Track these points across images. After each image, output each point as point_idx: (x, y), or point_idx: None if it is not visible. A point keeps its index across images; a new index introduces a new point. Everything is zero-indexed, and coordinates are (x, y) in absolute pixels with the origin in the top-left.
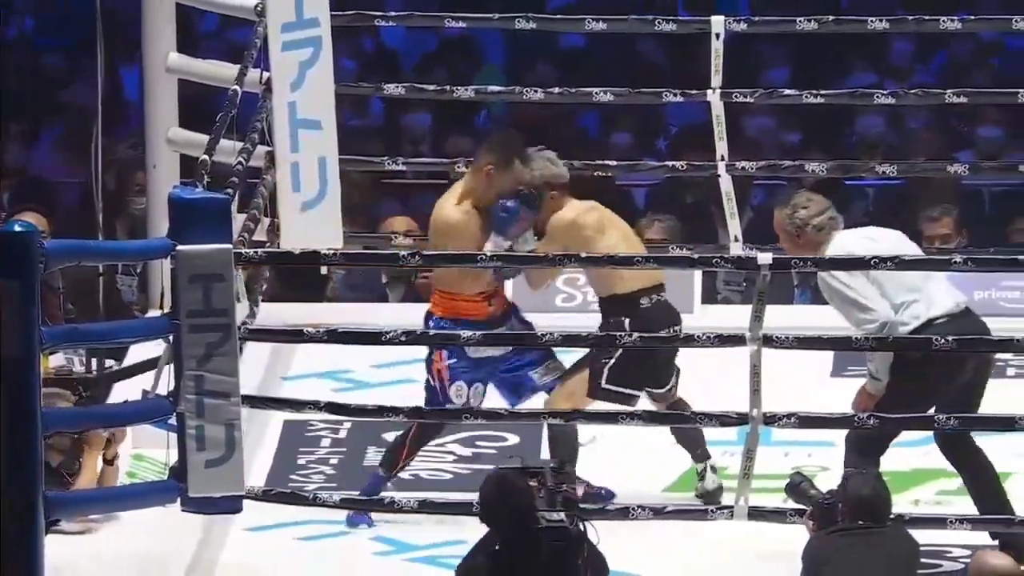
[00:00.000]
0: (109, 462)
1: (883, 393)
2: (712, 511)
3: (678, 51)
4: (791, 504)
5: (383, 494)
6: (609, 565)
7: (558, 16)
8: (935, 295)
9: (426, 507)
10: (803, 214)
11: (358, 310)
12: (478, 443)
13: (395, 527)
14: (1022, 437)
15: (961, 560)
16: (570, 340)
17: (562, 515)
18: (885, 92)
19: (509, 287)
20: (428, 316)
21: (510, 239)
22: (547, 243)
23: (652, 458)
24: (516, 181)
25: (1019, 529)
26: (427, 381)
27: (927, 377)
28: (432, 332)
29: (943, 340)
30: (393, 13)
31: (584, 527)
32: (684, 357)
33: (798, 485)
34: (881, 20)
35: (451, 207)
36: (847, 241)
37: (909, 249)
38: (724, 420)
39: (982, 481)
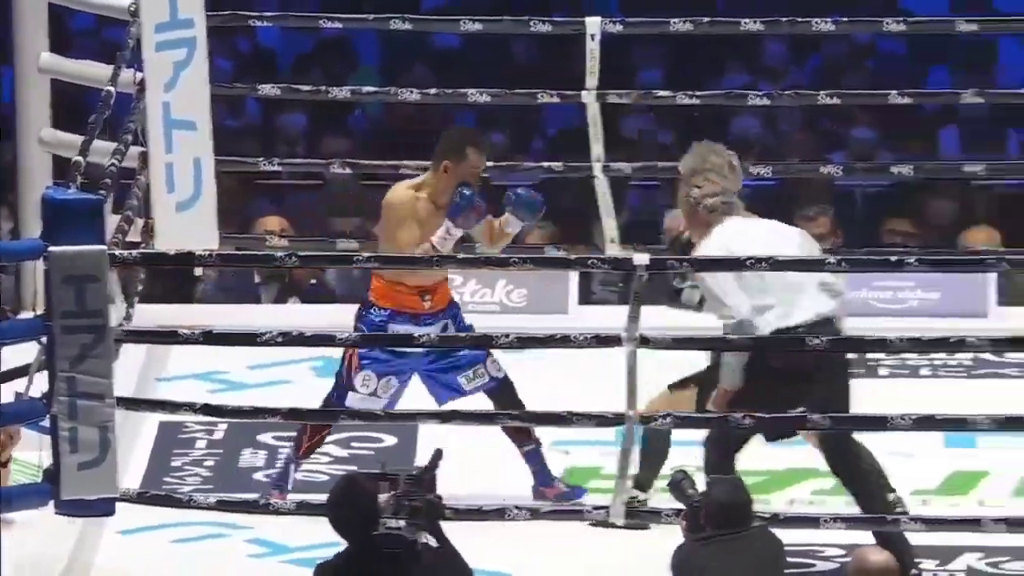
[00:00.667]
0: (3, 464)
1: (737, 389)
2: (588, 511)
3: (554, 52)
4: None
5: (260, 496)
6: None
7: (433, 17)
8: (797, 303)
9: (303, 508)
10: (697, 193)
11: (232, 311)
12: (354, 444)
13: (270, 529)
14: (895, 437)
15: (835, 559)
16: (447, 340)
17: (402, 523)
18: (759, 93)
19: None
20: (366, 304)
21: (464, 228)
22: None
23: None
24: (473, 168)
25: (892, 528)
26: (340, 363)
27: (779, 383)
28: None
29: (817, 340)
30: (268, 13)
31: (428, 536)
32: (560, 359)
33: (679, 483)
34: (755, 22)
35: (403, 190)
36: (725, 234)
37: (787, 247)
38: (601, 420)
39: (867, 482)
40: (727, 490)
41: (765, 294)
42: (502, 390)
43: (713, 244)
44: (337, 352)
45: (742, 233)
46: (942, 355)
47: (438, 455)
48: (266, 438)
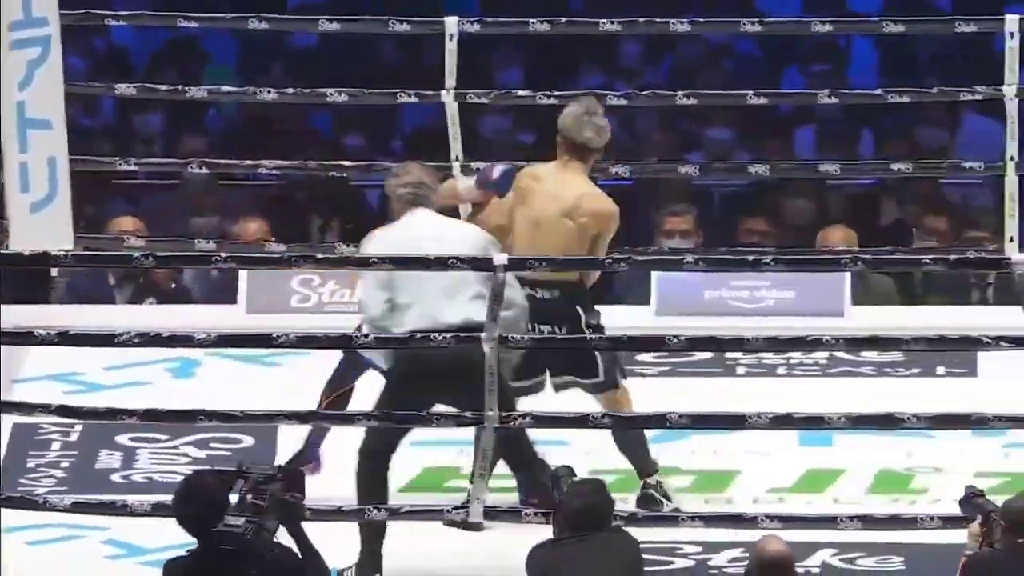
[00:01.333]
0: None
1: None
2: (448, 511)
3: (413, 52)
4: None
5: (116, 497)
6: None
7: (291, 16)
8: (444, 307)
9: (159, 510)
10: (392, 182)
11: (88, 312)
12: (212, 445)
13: (127, 530)
14: (752, 435)
15: (692, 556)
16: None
17: (242, 520)
18: (617, 93)
19: None
20: None
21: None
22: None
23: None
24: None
25: (749, 527)
26: None
27: (411, 384)
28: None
29: (675, 339)
30: (124, 12)
31: (269, 536)
32: None
33: (560, 478)
34: (612, 22)
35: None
36: (398, 225)
37: (462, 247)
38: (460, 421)
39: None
40: (584, 492)
41: (410, 295)
42: None
43: (381, 234)
44: (195, 353)
45: (411, 227)
46: (798, 354)
47: (301, 456)
48: (123, 439)
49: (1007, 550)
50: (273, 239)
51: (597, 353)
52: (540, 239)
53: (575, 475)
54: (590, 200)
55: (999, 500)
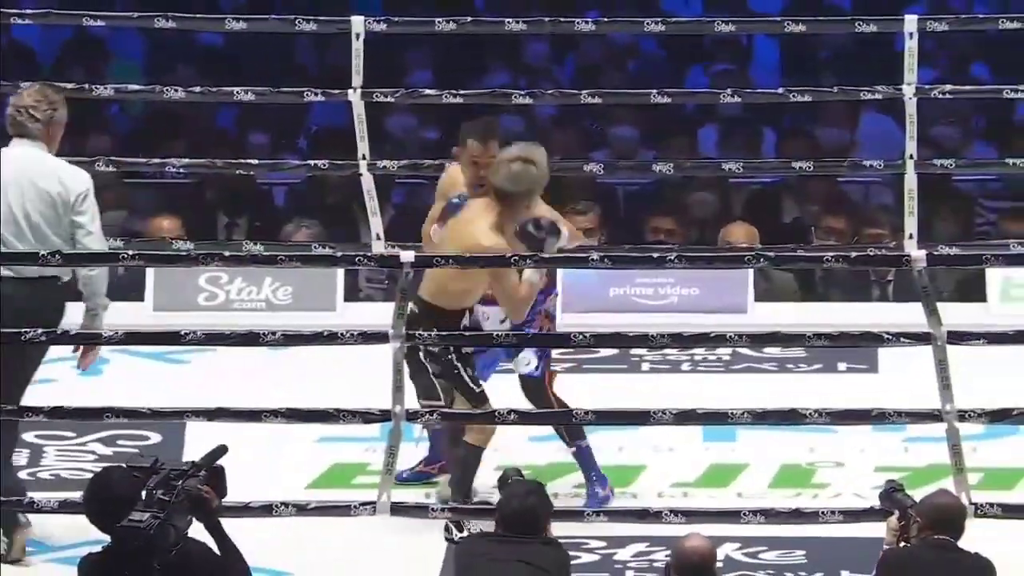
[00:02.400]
0: None
1: None
2: (355, 507)
3: (323, 50)
4: (435, 501)
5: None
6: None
7: (198, 16)
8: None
9: (66, 507)
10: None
11: None
12: (119, 442)
13: (36, 528)
14: (656, 431)
15: (598, 551)
16: (212, 338)
17: (146, 516)
18: (523, 92)
19: None
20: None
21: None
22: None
23: (296, 456)
24: (470, 156)
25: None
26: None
27: None
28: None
29: (580, 335)
30: (30, 11)
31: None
32: (327, 356)
33: (509, 478)
34: (517, 21)
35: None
36: None
37: None
38: (367, 417)
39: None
40: (520, 494)
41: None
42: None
43: None
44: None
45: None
46: (702, 350)
47: (221, 450)
48: (29, 437)
49: (923, 546)
50: (184, 237)
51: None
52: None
53: (522, 476)
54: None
55: (916, 495)
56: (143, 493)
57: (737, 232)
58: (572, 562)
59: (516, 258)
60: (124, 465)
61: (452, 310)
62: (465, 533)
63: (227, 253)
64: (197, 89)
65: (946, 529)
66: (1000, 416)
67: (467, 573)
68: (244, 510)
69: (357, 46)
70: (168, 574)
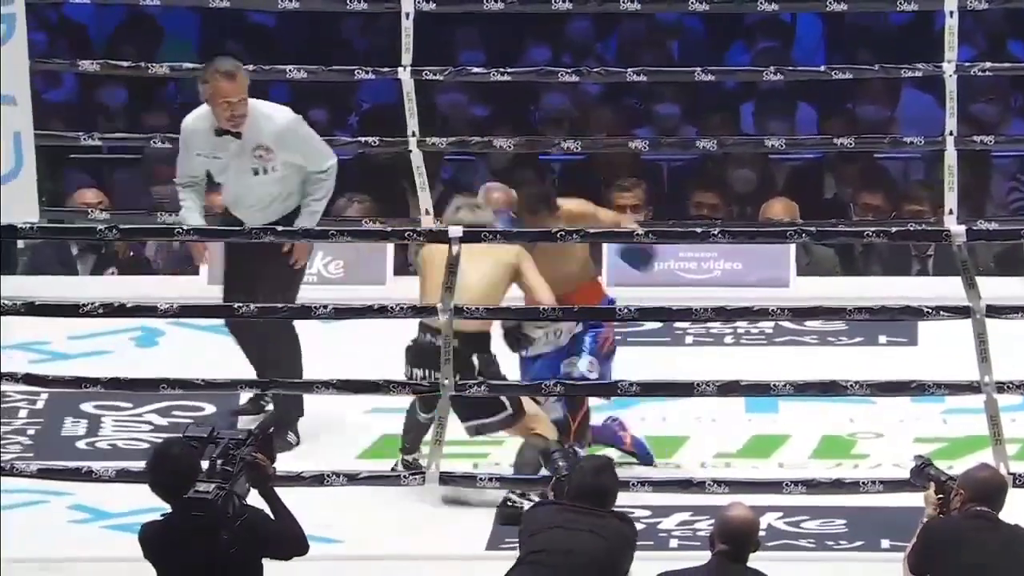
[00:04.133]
0: None
1: None
2: (405, 477)
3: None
4: (481, 470)
5: (81, 464)
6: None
7: None
8: None
9: (123, 476)
10: None
11: (51, 283)
12: (174, 412)
13: (92, 495)
14: (700, 402)
15: (643, 520)
16: (265, 311)
17: (211, 487)
18: (569, 70)
19: None
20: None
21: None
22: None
23: (348, 427)
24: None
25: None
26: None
27: None
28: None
29: (626, 309)
30: None
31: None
32: (378, 329)
33: (551, 452)
34: (564, 1)
35: None
36: None
37: None
38: (416, 388)
39: None
40: (594, 468)
41: None
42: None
43: None
44: (158, 323)
45: None
46: (744, 324)
47: (270, 421)
48: (88, 407)
49: (964, 517)
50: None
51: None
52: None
53: (570, 453)
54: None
55: (946, 467)
56: (205, 464)
57: (777, 208)
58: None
59: (562, 233)
60: (182, 436)
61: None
62: (527, 504)
63: (280, 228)
64: (250, 67)
65: (988, 501)
66: None
67: (534, 536)
68: (297, 479)
69: (407, 24)
70: (234, 544)
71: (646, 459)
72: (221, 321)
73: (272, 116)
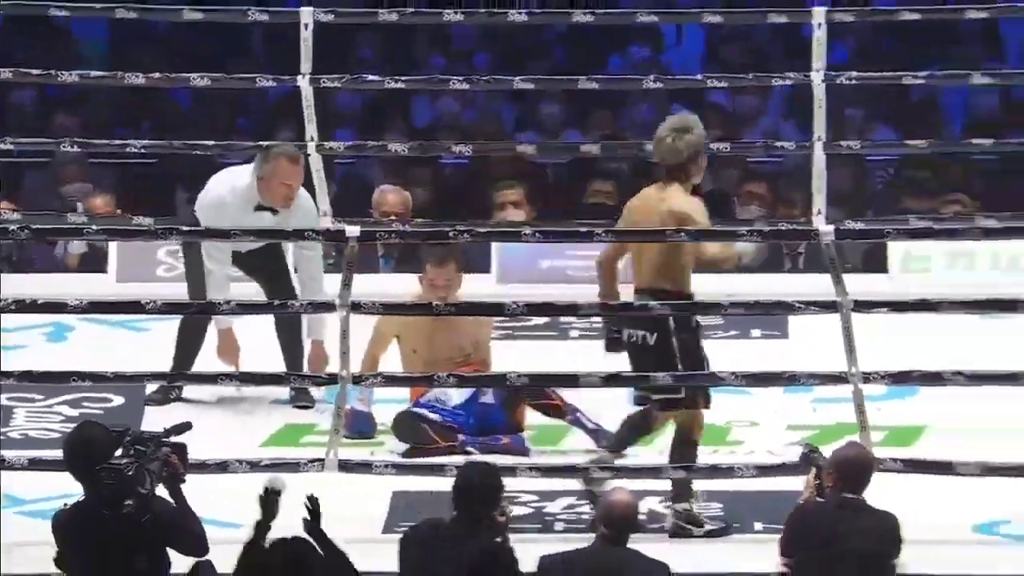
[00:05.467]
0: None
1: None
2: (304, 464)
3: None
4: (377, 457)
5: None
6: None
7: (156, 7)
8: None
9: (35, 464)
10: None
11: None
12: (84, 404)
13: (5, 482)
14: (586, 393)
15: (531, 504)
16: (171, 307)
17: (124, 460)
18: (460, 78)
19: None
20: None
21: None
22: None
23: (251, 417)
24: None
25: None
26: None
27: None
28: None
29: (514, 305)
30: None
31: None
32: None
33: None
34: (455, 12)
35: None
36: None
37: None
38: (315, 380)
39: None
40: (470, 474)
41: None
42: None
43: None
44: (68, 318)
45: None
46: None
47: (186, 425)
48: (1, 400)
49: (830, 503)
50: (119, 212)
51: (679, 364)
52: (643, 251)
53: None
54: (666, 207)
55: (825, 451)
56: (124, 455)
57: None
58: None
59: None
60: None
61: (677, 291)
62: (704, 528)
63: (185, 228)
64: (156, 75)
65: (855, 481)
66: (901, 378)
67: None
68: (202, 467)
69: (306, 35)
70: (143, 513)
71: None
72: (129, 316)
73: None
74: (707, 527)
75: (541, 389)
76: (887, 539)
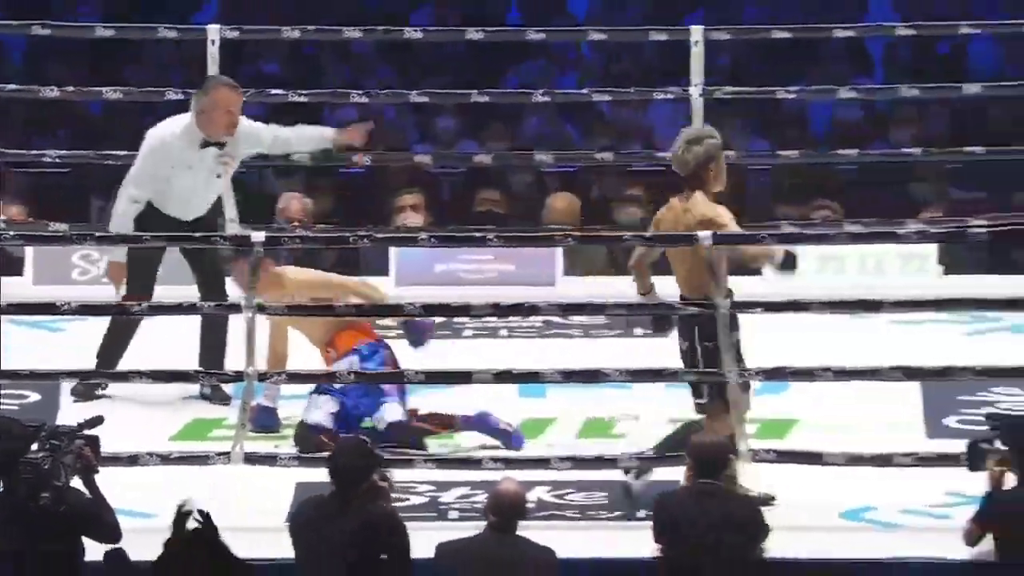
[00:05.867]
0: None
1: None
2: (212, 456)
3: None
4: (285, 451)
5: None
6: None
7: (69, 24)
8: None
9: None
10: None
11: None
12: (2, 400)
13: None
14: (478, 388)
15: (426, 494)
16: (86, 308)
17: (40, 454)
18: (360, 92)
19: None
20: None
21: None
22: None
23: (159, 411)
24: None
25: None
26: None
27: None
28: None
29: (411, 305)
30: None
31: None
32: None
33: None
34: (354, 30)
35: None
36: None
37: None
38: (222, 377)
39: None
40: (342, 452)
41: None
42: None
43: None
44: None
45: None
46: (517, 318)
47: (98, 419)
48: None
49: (689, 492)
50: (31, 220)
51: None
52: (677, 260)
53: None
54: (692, 216)
55: None
56: (40, 448)
57: (560, 202)
58: (404, 503)
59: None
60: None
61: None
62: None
63: (98, 234)
64: (71, 88)
65: (711, 467)
66: (774, 374)
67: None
68: (114, 460)
69: (212, 51)
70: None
71: (518, 444)
72: (45, 317)
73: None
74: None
75: (436, 422)
76: (748, 522)
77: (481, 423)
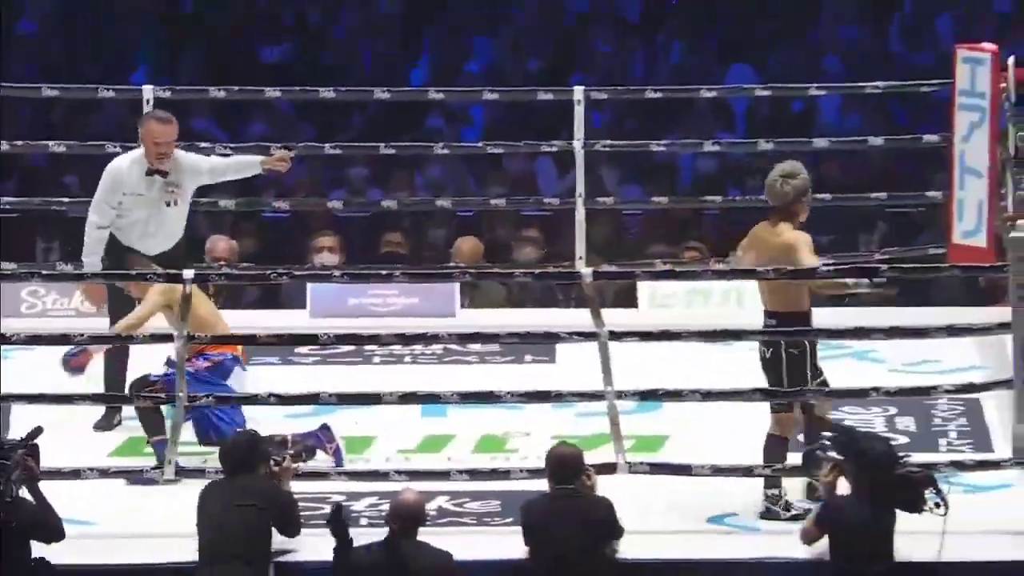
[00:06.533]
0: None
1: None
2: (146, 471)
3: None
4: (211, 465)
5: None
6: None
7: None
8: None
9: None
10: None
11: None
12: None
13: None
14: (385, 409)
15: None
16: (33, 339)
17: None
18: (279, 145)
19: None
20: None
21: None
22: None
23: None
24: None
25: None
26: None
27: None
28: None
29: (326, 335)
30: None
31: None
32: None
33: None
34: (274, 90)
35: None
36: None
37: None
38: (156, 400)
39: None
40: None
41: None
42: None
43: None
44: None
45: None
46: (420, 347)
47: (38, 430)
48: None
49: (548, 496)
50: None
51: (784, 375)
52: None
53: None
54: (779, 240)
55: (587, 458)
56: None
57: (466, 244)
58: (318, 512)
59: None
60: None
61: (794, 311)
62: (790, 513)
63: (44, 272)
64: (19, 143)
65: (562, 475)
66: (648, 395)
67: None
68: (57, 474)
69: (148, 109)
70: (11, 519)
71: (339, 463)
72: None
73: (177, 155)
74: (792, 512)
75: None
76: (598, 522)
77: (310, 438)
